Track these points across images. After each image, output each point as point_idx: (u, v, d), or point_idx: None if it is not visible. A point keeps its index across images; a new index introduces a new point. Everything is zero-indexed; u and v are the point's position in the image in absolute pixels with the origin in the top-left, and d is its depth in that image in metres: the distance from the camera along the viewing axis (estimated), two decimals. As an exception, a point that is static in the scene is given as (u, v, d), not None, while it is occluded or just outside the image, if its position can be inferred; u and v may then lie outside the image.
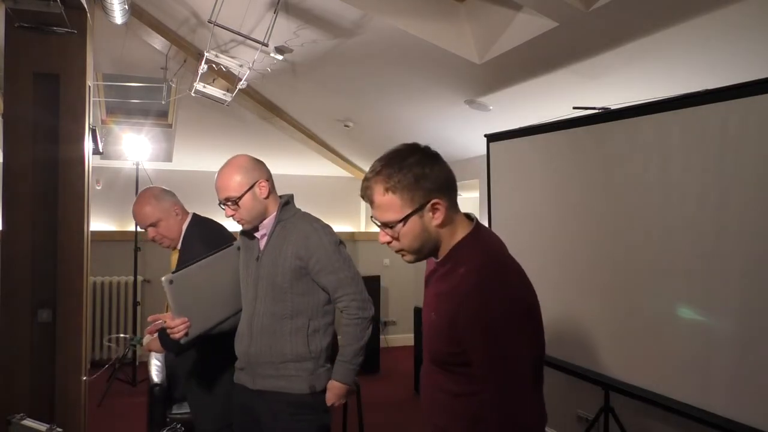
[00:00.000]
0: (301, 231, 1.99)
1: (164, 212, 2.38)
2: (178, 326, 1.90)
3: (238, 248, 2.06)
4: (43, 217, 2.95)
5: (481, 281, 1.26)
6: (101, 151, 3.74)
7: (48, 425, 1.68)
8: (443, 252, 1.37)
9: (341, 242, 2.05)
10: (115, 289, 5.54)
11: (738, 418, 2.23)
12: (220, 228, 2.53)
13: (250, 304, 2.03)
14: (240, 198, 1.97)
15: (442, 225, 1.32)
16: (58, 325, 2.97)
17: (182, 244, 2.43)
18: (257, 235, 2.06)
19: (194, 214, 2.50)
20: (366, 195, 1.35)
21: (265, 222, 2.04)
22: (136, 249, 5.09)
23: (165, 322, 1.93)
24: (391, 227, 1.32)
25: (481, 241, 1.35)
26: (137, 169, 5.06)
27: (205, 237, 2.43)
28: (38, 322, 2.94)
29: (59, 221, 2.97)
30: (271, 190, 2.05)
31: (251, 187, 1.97)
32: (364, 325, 2.00)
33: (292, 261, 1.96)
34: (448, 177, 1.34)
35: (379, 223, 1.34)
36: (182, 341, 1.92)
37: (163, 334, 2.42)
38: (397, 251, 1.37)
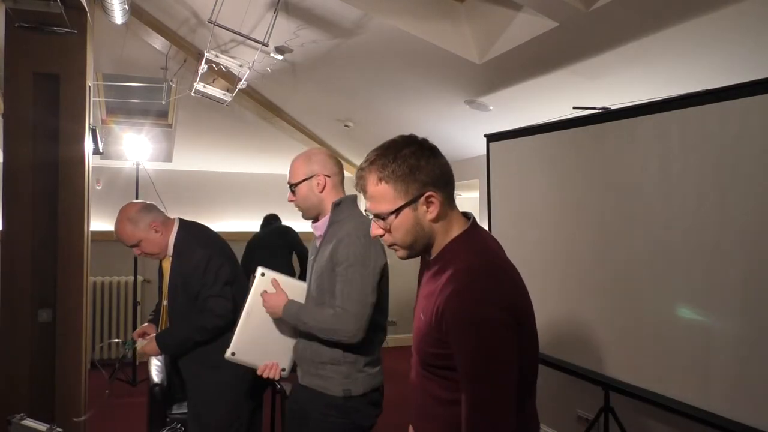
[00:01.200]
0: (339, 235, 1.95)
1: (143, 232, 2.38)
2: (269, 370, 2.07)
3: (263, 274, 2.08)
4: (43, 217, 2.95)
5: (470, 282, 1.21)
6: (101, 151, 3.74)
7: (48, 425, 1.68)
8: (436, 250, 1.33)
9: (370, 257, 1.94)
10: (115, 289, 5.54)
11: (738, 418, 2.23)
12: (207, 228, 2.55)
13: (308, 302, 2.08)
14: (296, 185, 2.04)
15: (436, 220, 1.28)
16: (58, 325, 2.97)
17: (176, 252, 2.41)
18: (316, 234, 2.10)
19: (180, 221, 2.48)
20: (360, 185, 1.32)
21: (319, 223, 2.07)
22: (136, 249, 5.08)
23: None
24: (384, 219, 1.29)
25: (475, 240, 1.31)
26: (137, 169, 5.06)
27: (201, 240, 2.44)
28: (38, 322, 2.94)
29: (59, 221, 2.97)
30: (333, 187, 2.05)
31: (308, 178, 2.02)
32: (332, 334, 1.88)
33: (327, 264, 1.95)
34: (445, 171, 1.30)
35: (371, 215, 1.32)
36: (283, 373, 2.09)
37: (160, 336, 2.42)
38: (390, 245, 1.34)
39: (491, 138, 3.63)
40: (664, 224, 2.51)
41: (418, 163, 1.26)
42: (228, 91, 3.70)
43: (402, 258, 1.37)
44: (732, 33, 2.28)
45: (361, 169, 1.31)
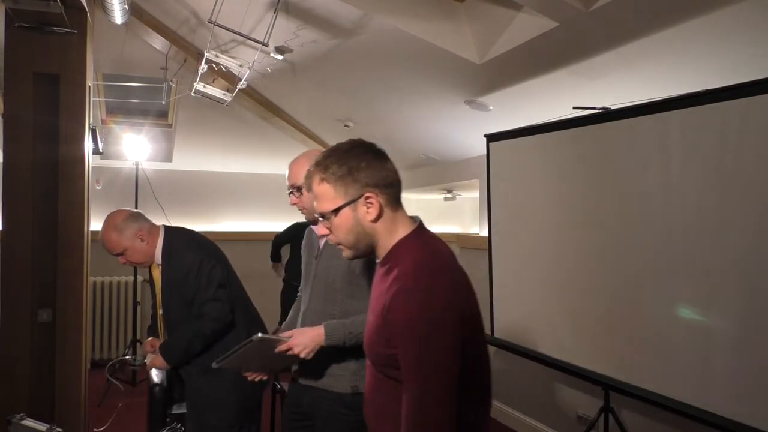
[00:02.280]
0: None
1: (128, 240, 2.35)
2: (251, 376, 2.01)
3: (261, 341, 1.95)
4: (43, 216, 2.95)
5: (414, 280, 1.23)
6: (101, 151, 3.74)
7: (48, 425, 1.68)
8: (383, 251, 1.35)
9: None
10: (115, 289, 5.54)
11: (738, 418, 2.23)
12: (194, 232, 2.54)
13: (305, 301, 2.06)
14: (300, 188, 2.02)
15: (376, 220, 1.31)
16: (58, 325, 2.97)
17: (166, 259, 2.39)
18: (319, 232, 2.07)
19: (165, 227, 2.45)
20: (306, 184, 1.38)
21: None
22: (136, 249, 5.08)
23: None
24: (326, 218, 1.33)
25: (420, 242, 1.33)
26: (137, 169, 5.06)
27: (189, 245, 2.42)
28: (38, 322, 2.94)
29: (59, 221, 2.97)
30: None
31: None
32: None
33: (344, 262, 1.93)
34: (389, 175, 1.35)
35: (317, 214, 1.36)
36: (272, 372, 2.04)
37: (162, 349, 2.42)
38: (337, 245, 1.38)
39: (491, 138, 3.63)
40: (664, 224, 2.51)
41: (358, 165, 1.31)
42: (228, 91, 3.70)
43: (349, 258, 1.41)
44: (732, 33, 2.28)
45: (309, 169, 1.37)
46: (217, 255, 2.49)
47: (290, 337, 1.80)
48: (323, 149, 1.84)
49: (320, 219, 1.36)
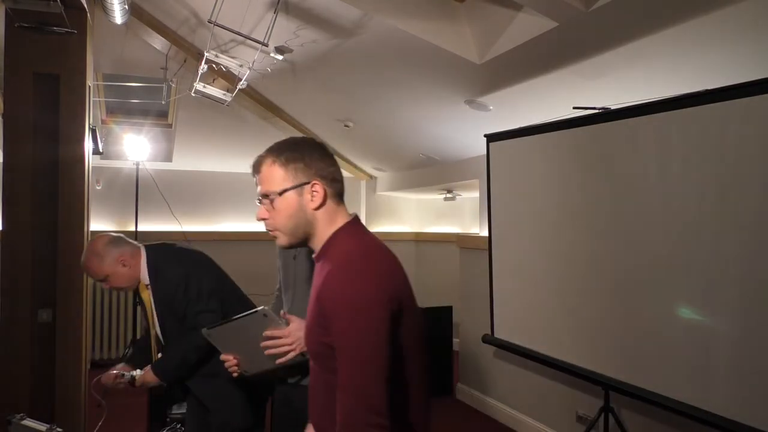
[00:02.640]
0: None
1: (110, 267, 2.28)
2: (229, 361, 1.95)
3: (264, 315, 1.98)
4: (43, 217, 2.95)
5: (347, 263, 1.28)
6: (101, 151, 3.74)
7: (48, 425, 1.68)
8: (318, 243, 1.39)
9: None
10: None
11: (738, 418, 2.23)
12: (175, 245, 2.49)
13: (288, 302, 2.05)
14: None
15: (317, 209, 1.36)
16: (58, 325, 2.97)
17: (152, 279, 2.34)
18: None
19: (146, 247, 2.39)
20: (255, 166, 1.42)
21: None
22: (136, 249, 5.07)
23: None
24: (271, 200, 1.36)
25: (353, 232, 1.37)
26: (137, 169, 5.06)
27: (173, 259, 2.38)
28: (38, 322, 2.94)
29: (59, 221, 2.97)
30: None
31: None
32: None
33: None
34: (336, 173, 1.40)
35: (259, 199, 1.39)
36: (246, 374, 1.96)
37: (156, 365, 2.40)
38: (272, 231, 1.40)
39: (491, 138, 3.63)
40: (664, 224, 2.51)
41: (311, 157, 1.37)
42: (228, 91, 3.70)
43: (283, 246, 1.42)
44: (732, 33, 2.28)
45: (260, 154, 1.42)
46: (203, 263, 2.45)
47: (288, 323, 1.76)
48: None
49: (259, 202, 1.40)
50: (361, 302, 1.22)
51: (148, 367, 2.40)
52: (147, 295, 2.39)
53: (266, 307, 1.77)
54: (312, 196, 1.35)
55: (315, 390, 1.41)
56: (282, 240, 1.40)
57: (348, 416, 1.21)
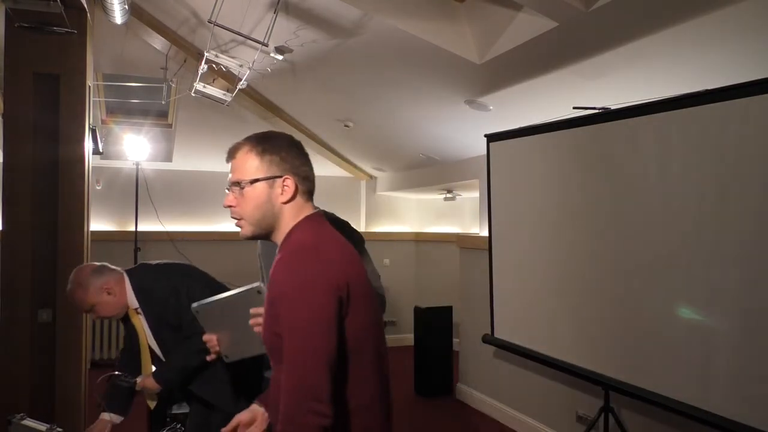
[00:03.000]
0: None
1: (95, 297, 2.25)
2: (211, 341, 1.94)
3: (258, 292, 1.97)
4: (43, 217, 2.95)
5: (297, 250, 1.30)
6: (101, 151, 3.74)
7: (48, 425, 1.68)
8: (281, 236, 1.39)
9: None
10: (115, 289, 5.53)
11: (738, 418, 2.23)
12: (154, 263, 2.47)
13: None
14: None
15: (286, 203, 1.37)
16: (58, 325, 2.97)
17: (141, 300, 2.33)
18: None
19: (127, 272, 2.36)
20: (230, 152, 1.41)
21: None
22: (136, 249, 5.08)
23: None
24: (241, 188, 1.37)
25: (309, 224, 1.38)
26: (137, 169, 5.06)
27: (157, 276, 2.36)
28: (38, 322, 2.94)
29: (59, 221, 2.97)
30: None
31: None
32: None
33: None
34: (309, 173, 1.42)
35: (229, 186, 1.40)
36: (225, 359, 1.94)
37: (157, 372, 2.40)
38: (237, 220, 1.41)
39: (491, 138, 3.63)
40: (664, 224, 2.52)
41: (288, 154, 1.38)
42: (228, 91, 3.70)
43: (246, 236, 1.42)
44: (732, 33, 2.28)
45: (237, 142, 1.42)
46: (190, 273, 2.43)
47: None
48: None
49: (229, 189, 1.40)
50: (306, 288, 1.23)
51: (148, 374, 2.40)
52: (138, 321, 2.36)
53: (261, 284, 1.74)
54: (282, 190, 1.36)
55: (274, 390, 1.38)
56: (246, 230, 1.40)
57: (289, 402, 1.21)
